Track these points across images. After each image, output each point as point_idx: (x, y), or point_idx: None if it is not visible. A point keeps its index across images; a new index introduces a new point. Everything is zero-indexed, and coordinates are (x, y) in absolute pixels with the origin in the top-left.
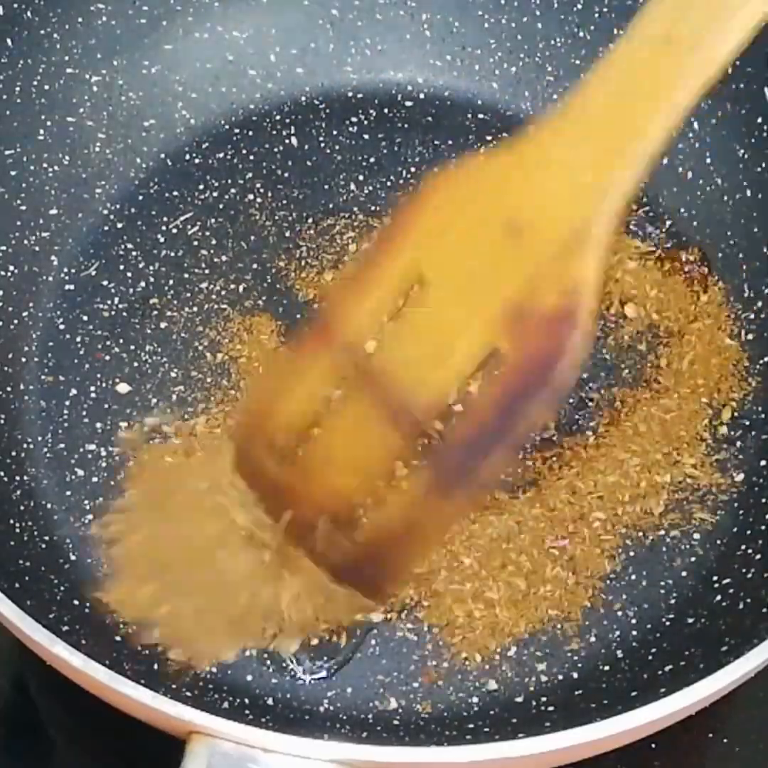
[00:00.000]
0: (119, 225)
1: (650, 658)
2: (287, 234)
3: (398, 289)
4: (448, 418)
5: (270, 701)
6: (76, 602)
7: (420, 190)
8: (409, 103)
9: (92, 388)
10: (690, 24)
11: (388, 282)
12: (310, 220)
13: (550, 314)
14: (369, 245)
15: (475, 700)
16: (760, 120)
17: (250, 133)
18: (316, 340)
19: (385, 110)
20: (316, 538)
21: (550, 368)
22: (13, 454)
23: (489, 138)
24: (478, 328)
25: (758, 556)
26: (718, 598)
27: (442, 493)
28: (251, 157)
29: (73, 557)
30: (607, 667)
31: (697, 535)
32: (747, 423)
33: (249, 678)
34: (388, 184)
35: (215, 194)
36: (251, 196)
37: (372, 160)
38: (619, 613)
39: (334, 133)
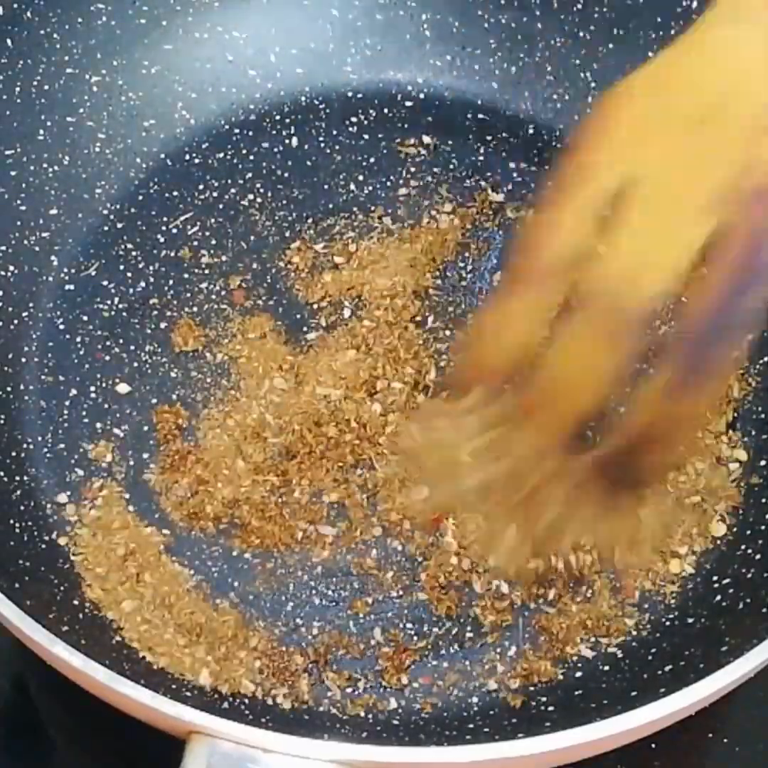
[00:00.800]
0: (119, 225)
1: (650, 658)
2: (287, 234)
3: (602, 200)
4: (680, 311)
5: (270, 701)
6: (75, 602)
7: (604, 104)
8: (409, 103)
9: (92, 388)
10: None
11: (588, 200)
12: (310, 220)
13: (762, 193)
14: (563, 171)
15: (475, 700)
16: None
17: (250, 133)
18: (528, 268)
19: (385, 110)
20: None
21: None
22: (13, 454)
23: (489, 138)
24: (694, 217)
25: (758, 556)
26: (718, 598)
27: (687, 386)
28: (251, 157)
29: (73, 557)
30: (607, 667)
31: (696, 535)
32: (747, 423)
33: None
34: (388, 184)
35: (215, 194)
36: (251, 196)
37: (372, 160)
38: (619, 613)
39: (334, 133)
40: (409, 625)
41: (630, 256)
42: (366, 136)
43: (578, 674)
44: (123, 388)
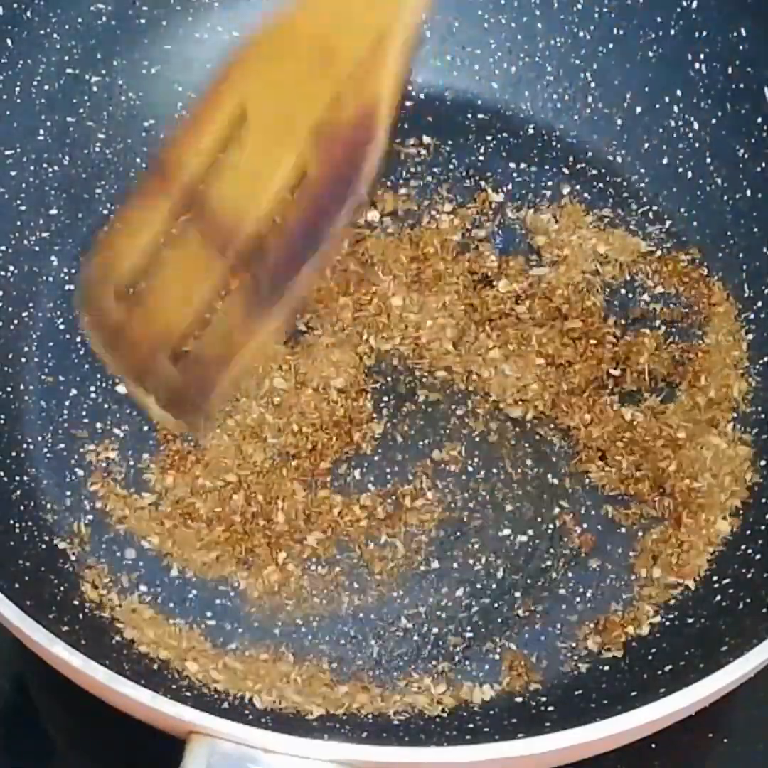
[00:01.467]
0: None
1: (650, 658)
2: None
3: (224, 128)
4: (263, 240)
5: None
6: (75, 602)
7: (242, 41)
8: (408, 103)
9: (92, 388)
10: None
11: (216, 123)
12: None
13: (350, 129)
14: (197, 98)
15: (474, 699)
16: (760, 120)
17: None
18: (155, 184)
19: None
20: (151, 372)
21: (350, 179)
22: (13, 454)
23: (489, 138)
24: (287, 150)
25: (758, 556)
26: (718, 598)
27: (256, 307)
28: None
29: (72, 557)
30: (606, 667)
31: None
32: (747, 423)
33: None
34: (388, 184)
35: None
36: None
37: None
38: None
39: None
40: (409, 625)
41: (237, 179)
42: None
43: (578, 674)
44: (123, 388)
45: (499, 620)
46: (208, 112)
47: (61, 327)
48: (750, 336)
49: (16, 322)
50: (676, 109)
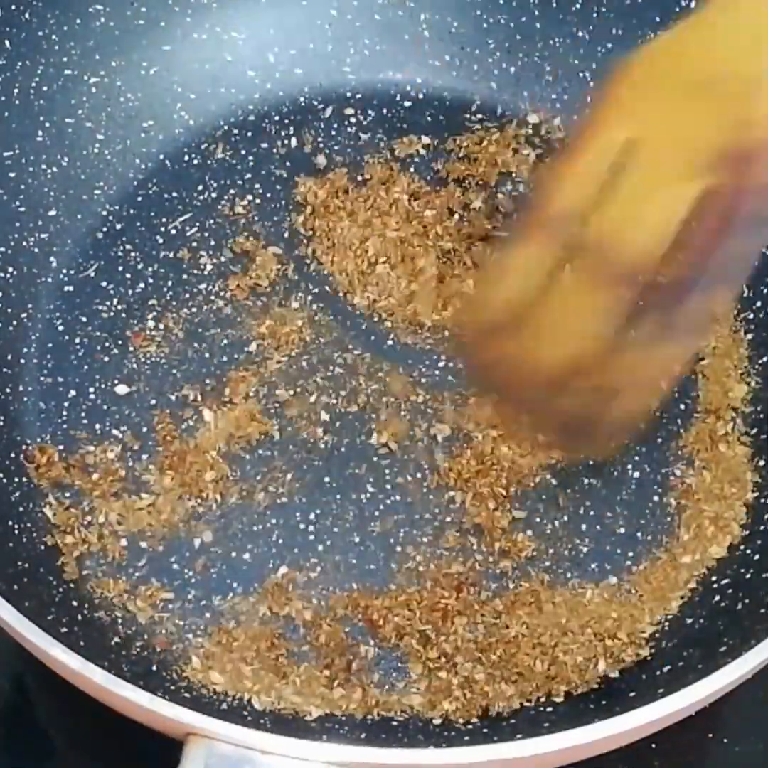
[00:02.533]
0: (118, 226)
1: (649, 658)
2: (286, 235)
3: (609, 158)
4: (670, 263)
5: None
6: (74, 604)
7: (616, 72)
8: (408, 103)
9: (92, 389)
10: None
11: (599, 155)
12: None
13: (758, 149)
14: (577, 128)
15: (473, 700)
16: None
17: (249, 133)
18: (537, 224)
19: (384, 110)
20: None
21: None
22: (13, 454)
23: (489, 138)
24: (688, 175)
25: (757, 557)
26: (717, 598)
27: (667, 339)
28: (250, 158)
29: (72, 558)
30: (605, 668)
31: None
32: (747, 423)
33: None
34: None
35: (214, 195)
36: (250, 197)
37: (371, 160)
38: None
39: (333, 133)
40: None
41: (625, 211)
42: (365, 137)
43: (577, 675)
44: (122, 389)
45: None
46: (590, 146)
47: (61, 328)
48: (750, 336)
49: (15, 323)
50: None
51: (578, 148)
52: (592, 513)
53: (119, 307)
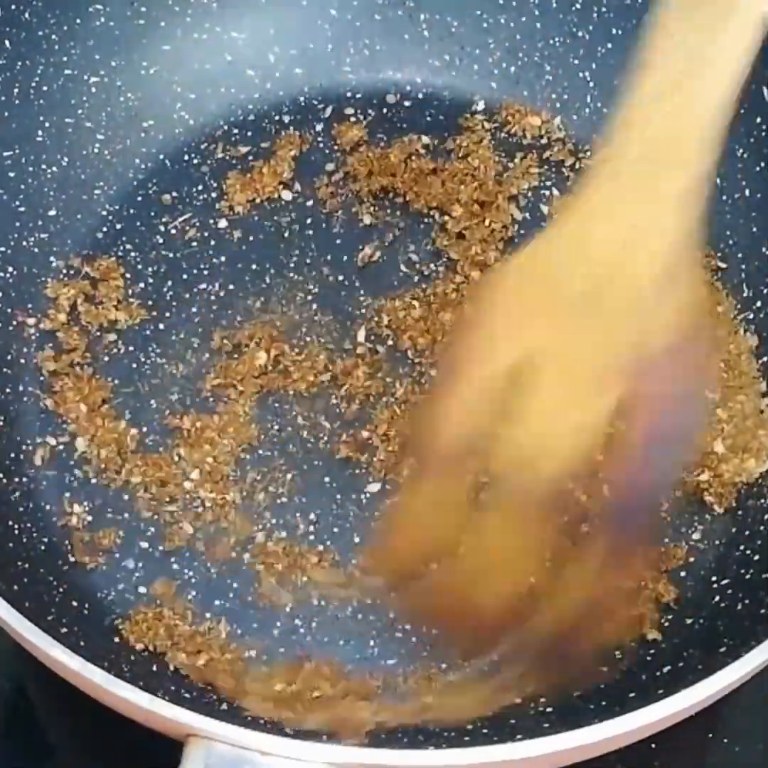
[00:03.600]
0: (118, 226)
1: (649, 659)
2: (286, 235)
3: (494, 383)
4: (598, 483)
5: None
6: (75, 604)
7: (490, 285)
8: (408, 103)
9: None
10: (686, 55)
11: (482, 380)
12: (309, 221)
13: (673, 344)
14: (444, 363)
15: (473, 701)
16: (759, 120)
17: (249, 133)
18: (429, 456)
19: (384, 110)
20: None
21: (694, 392)
22: (13, 455)
23: (488, 138)
24: (593, 392)
25: (757, 557)
26: (717, 598)
27: (622, 555)
28: (250, 158)
29: (72, 559)
30: (605, 668)
31: (696, 535)
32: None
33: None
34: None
35: (214, 195)
36: (250, 196)
37: (371, 160)
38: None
39: (333, 133)
40: (407, 626)
41: (534, 438)
42: (365, 137)
43: (577, 675)
44: (122, 388)
45: None
46: (469, 370)
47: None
48: (750, 336)
49: (14, 323)
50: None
51: (462, 373)
52: None
53: (119, 307)
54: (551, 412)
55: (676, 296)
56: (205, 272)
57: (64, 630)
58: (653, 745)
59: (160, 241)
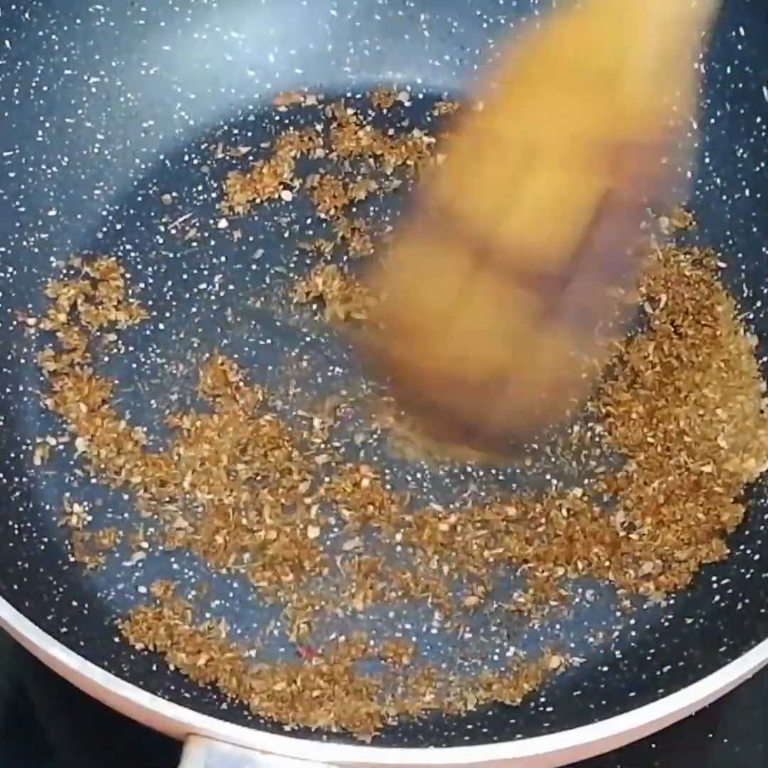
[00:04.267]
0: (118, 226)
1: (649, 658)
2: (285, 235)
3: (506, 159)
4: (575, 265)
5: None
6: (75, 603)
7: (508, 67)
8: (408, 104)
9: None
10: None
11: (495, 159)
12: (309, 221)
13: (640, 139)
14: (461, 131)
15: (473, 700)
16: (759, 120)
17: (249, 133)
18: (438, 226)
19: (384, 110)
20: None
21: (649, 189)
22: (13, 455)
23: None
24: (587, 177)
25: (757, 557)
26: (717, 598)
27: (581, 333)
28: (250, 158)
29: (72, 559)
30: (605, 668)
31: (696, 536)
32: None
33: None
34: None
35: (214, 195)
36: (250, 196)
37: (371, 160)
38: (618, 613)
39: (333, 133)
40: (408, 626)
41: (530, 216)
42: (365, 137)
43: (577, 675)
44: (123, 388)
45: (498, 621)
46: (487, 151)
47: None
48: (750, 336)
49: (15, 323)
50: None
51: (477, 150)
52: None
53: (119, 307)
54: (547, 195)
55: (670, 93)
56: (205, 272)
57: (64, 630)
58: (653, 745)
59: (160, 241)
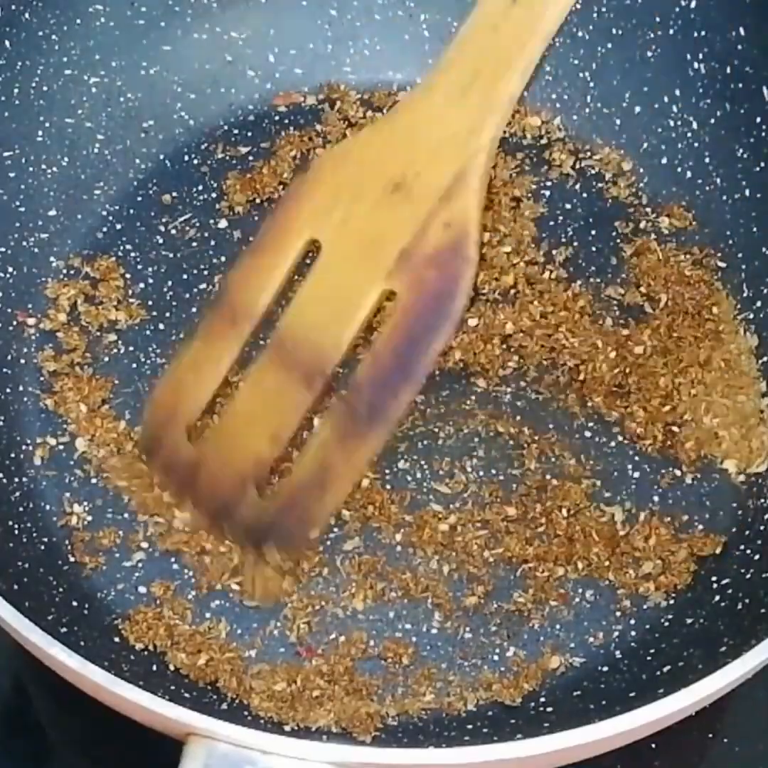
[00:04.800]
0: (118, 226)
1: (649, 658)
2: None
3: (294, 258)
4: (354, 365)
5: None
6: (75, 603)
7: (309, 169)
8: None
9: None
10: None
11: (284, 254)
12: None
13: (439, 252)
14: (264, 226)
15: (473, 700)
16: (759, 120)
17: (249, 133)
18: (221, 319)
19: (385, 110)
20: (238, 508)
21: (447, 300)
22: (13, 455)
23: None
24: (371, 278)
25: (757, 557)
26: (717, 598)
27: (355, 434)
28: (250, 158)
29: (72, 559)
30: (605, 668)
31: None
32: None
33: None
34: None
35: (214, 195)
36: (251, 196)
37: None
38: (618, 613)
39: (333, 133)
40: (408, 626)
41: (309, 311)
42: None
43: (577, 675)
44: (122, 387)
45: (498, 621)
46: (276, 246)
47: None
48: (750, 336)
49: (15, 323)
50: (675, 108)
51: (264, 245)
52: None
53: (119, 307)
54: (327, 291)
55: (466, 204)
56: (205, 272)
57: (64, 630)
58: (653, 745)
59: (160, 241)
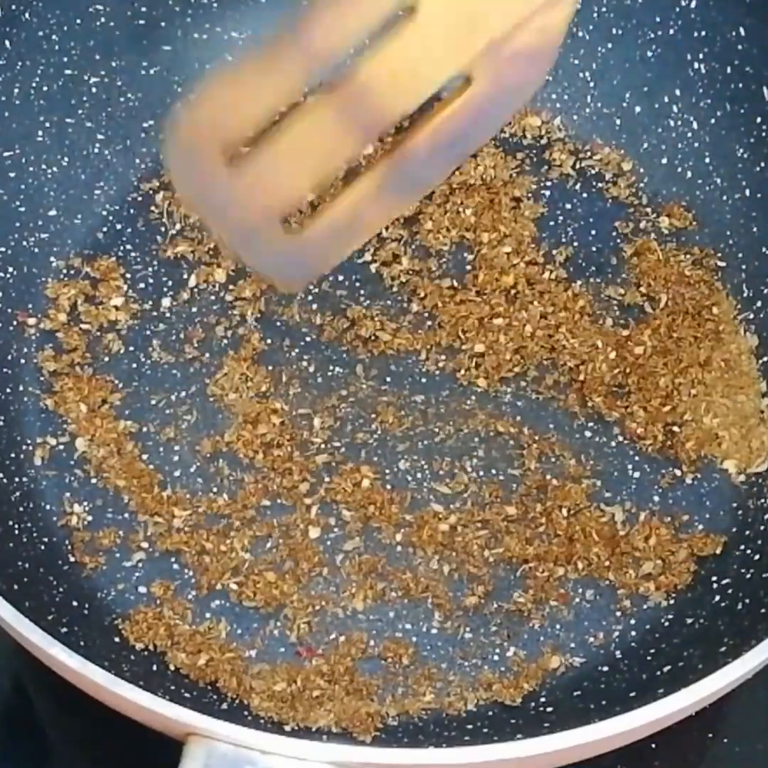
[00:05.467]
0: (118, 226)
1: (649, 658)
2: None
3: (384, 13)
4: (410, 127)
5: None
6: (75, 603)
7: None
8: None
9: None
10: None
11: (377, 5)
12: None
13: (524, 54)
14: None
15: (473, 700)
16: (759, 120)
17: None
18: (290, 45)
19: None
20: (261, 236)
21: (516, 98)
22: (13, 455)
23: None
24: (457, 57)
25: (757, 557)
26: (717, 598)
27: (395, 194)
28: None
29: (72, 559)
30: (605, 668)
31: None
32: None
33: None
34: None
35: None
36: None
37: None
38: (618, 613)
39: None
40: (408, 626)
41: (389, 66)
42: None
43: (577, 675)
44: (123, 387)
45: (498, 621)
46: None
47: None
48: (750, 336)
49: (15, 323)
50: (675, 108)
51: None
52: None
53: (119, 307)
54: (412, 53)
55: (560, 16)
56: (206, 272)
57: (64, 630)
58: (653, 745)
59: (160, 241)
